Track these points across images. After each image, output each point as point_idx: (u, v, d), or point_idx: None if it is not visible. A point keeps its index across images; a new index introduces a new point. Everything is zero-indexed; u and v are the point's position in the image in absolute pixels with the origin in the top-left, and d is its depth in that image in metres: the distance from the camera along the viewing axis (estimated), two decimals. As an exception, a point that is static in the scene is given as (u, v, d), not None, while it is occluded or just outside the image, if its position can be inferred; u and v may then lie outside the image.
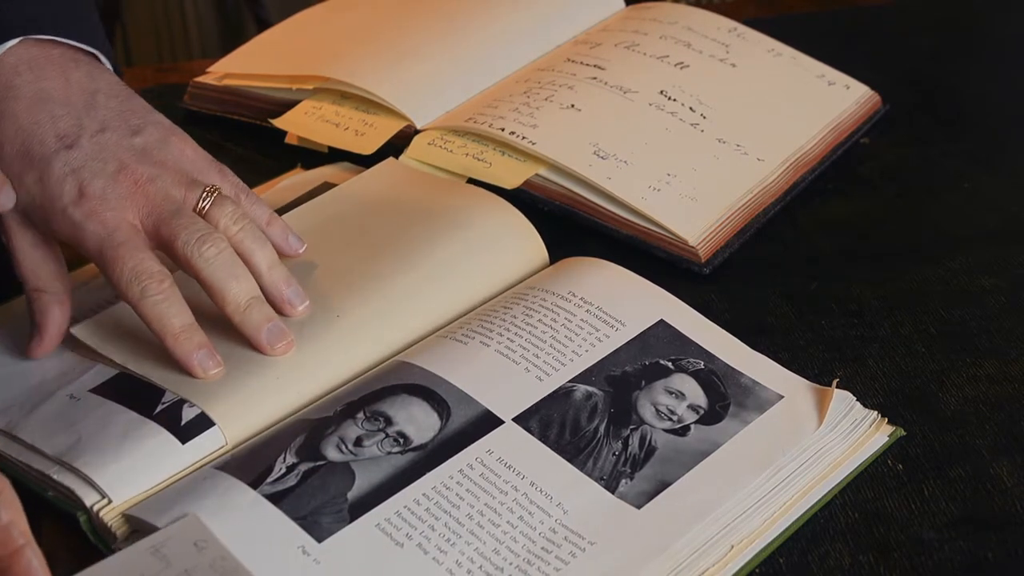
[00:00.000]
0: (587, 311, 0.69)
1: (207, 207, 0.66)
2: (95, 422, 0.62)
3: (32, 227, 0.66)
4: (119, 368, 0.65)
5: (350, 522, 0.58)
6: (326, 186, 0.81)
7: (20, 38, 0.67)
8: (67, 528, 0.60)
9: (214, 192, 0.66)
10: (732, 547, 0.59)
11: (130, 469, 0.60)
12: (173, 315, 0.63)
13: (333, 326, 0.68)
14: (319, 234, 0.73)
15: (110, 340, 0.66)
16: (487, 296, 0.73)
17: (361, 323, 0.68)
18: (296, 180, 0.84)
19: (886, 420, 0.66)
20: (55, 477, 0.60)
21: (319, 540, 0.57)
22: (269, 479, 0.59)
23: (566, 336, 0.68)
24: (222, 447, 0.62)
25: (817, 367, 0.70)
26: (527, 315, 0.69)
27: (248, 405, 0.64)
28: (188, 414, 0.62)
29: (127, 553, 0.55)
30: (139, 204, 0.65)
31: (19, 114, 0.66)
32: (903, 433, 0.66)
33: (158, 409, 0.63)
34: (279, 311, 0.67)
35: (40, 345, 0.66)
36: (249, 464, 0.60)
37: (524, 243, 0.76)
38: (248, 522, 0.57)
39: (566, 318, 0.69)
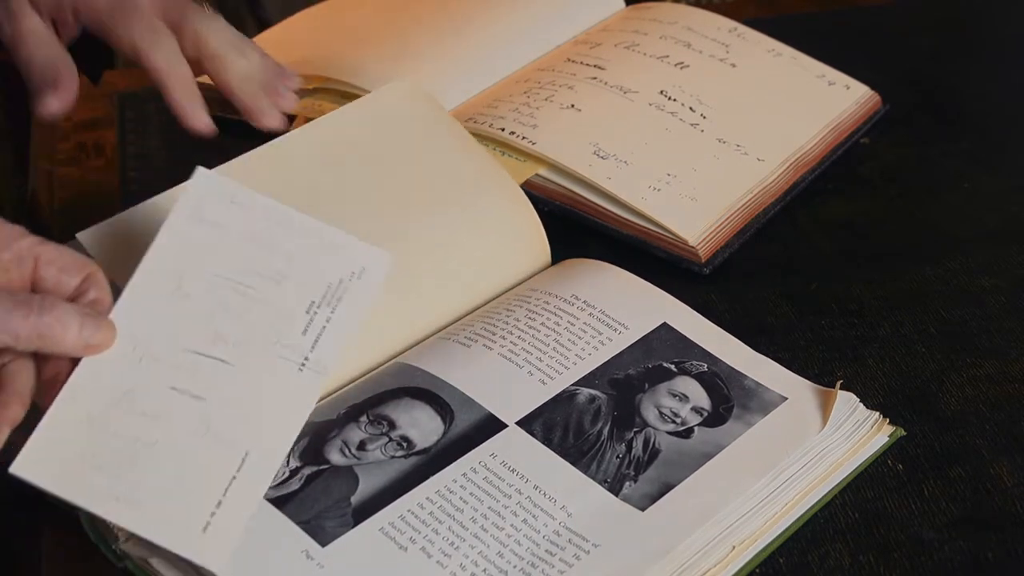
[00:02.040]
0: (590, 314, 0.70)
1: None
2: None
3: (38, 10, 0.68)
4: None
5: (354, 526, 0.58)
6: None
7: None
8: (67, 528, 0.60)
9: None
10: (733, 547, 0.59)
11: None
12: (179, 64, 0.67)
13: None
14: (323, 175, 0.71)
15: (117, 256, 0.63)
16: (492, 294, 0.73)
17: (368, 320, 0.68)
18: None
19: (887, 420, 0.66)
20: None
21: (323, 544, 0.57)
22: (273, 483, 0.59)
23: (569, 339, 0.68)
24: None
25: (817, 367, 0.70)
26: (530, 318, 0.69)
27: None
28: None
29: (170, 226, 0.58)
30: None
31: None
32: (903, 433, 0.66)
33: None
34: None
35: (55, 98, 0.67)
36: (253, 467, 0.60)
37: (531, 242, 0.75)
38: (251, 526, 0.57)
39: (569, 321, 0.69)
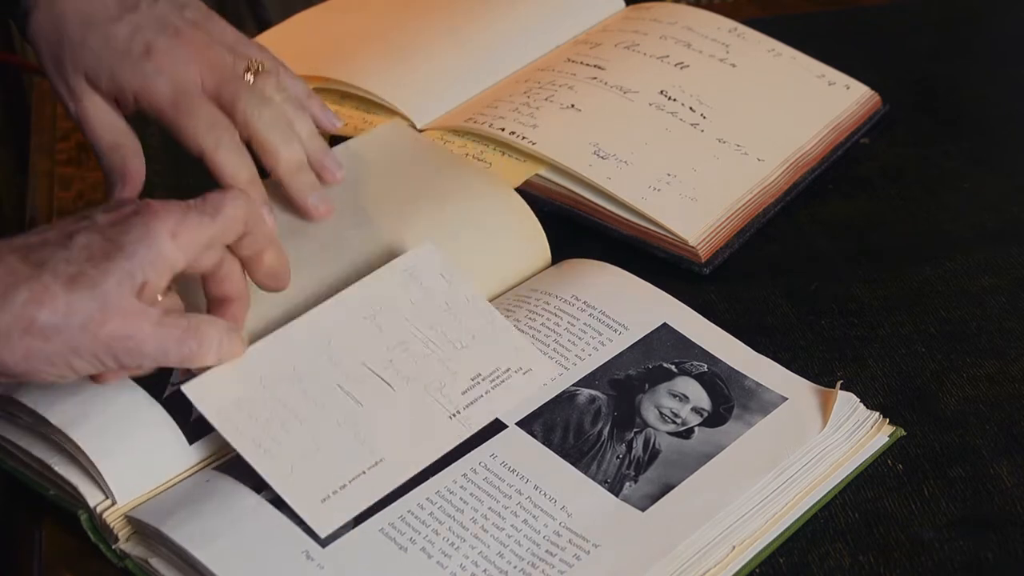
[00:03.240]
0: (590, 315, 0.70)
1: (253, 78, 0.69)
2: (102, 398, 0.61)
3: (98, 90, 0.69)
4: None
5: (354, 526, 0.58)
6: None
7: None
8: (67, 528, 0.60)
9: (258, 64, 0.70)
10: (733, 548, 0.59)
11: (136, 469, 0.60)
12: (244, 167, 0.67)
13: None
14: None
15: None
16: (492, 295, 0.73)
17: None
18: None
19: (887, 420, 0.66)
20: (57, 469, 0.60)
21: (323, 545, 0.57)
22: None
23: (569, 340, 0.68)
24: (226, 447, 0.62)
25: (817, 367, 0.70)
26: (530, 319, 0.69)
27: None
28: None
29: (384, 272, 0.67)
30: (201, 65, 0.68)
31: None
32: (903, 433, 0.66)
33: (168, 392, 0.62)
34: (319, 177, 0.71)
35: (124, 191, 0.69)
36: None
37: (530, 242, 0.75)
38: (251, 526, 0.57)
39: (569, 322, 0.69)
